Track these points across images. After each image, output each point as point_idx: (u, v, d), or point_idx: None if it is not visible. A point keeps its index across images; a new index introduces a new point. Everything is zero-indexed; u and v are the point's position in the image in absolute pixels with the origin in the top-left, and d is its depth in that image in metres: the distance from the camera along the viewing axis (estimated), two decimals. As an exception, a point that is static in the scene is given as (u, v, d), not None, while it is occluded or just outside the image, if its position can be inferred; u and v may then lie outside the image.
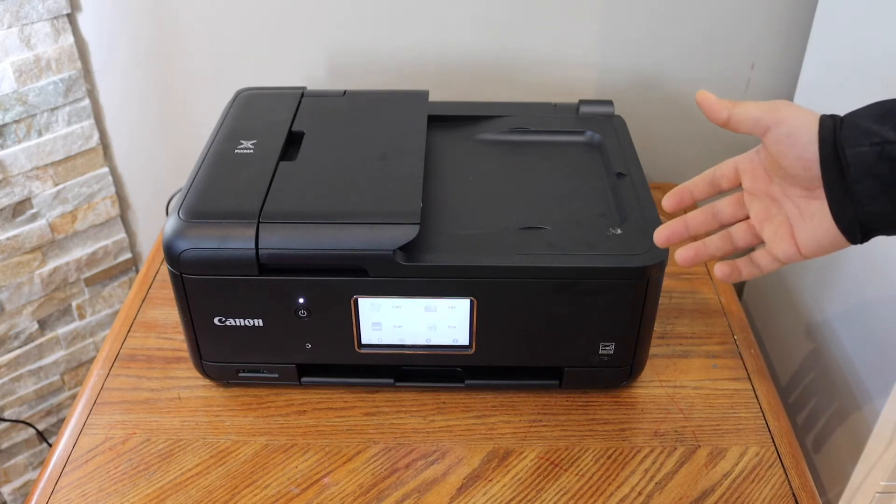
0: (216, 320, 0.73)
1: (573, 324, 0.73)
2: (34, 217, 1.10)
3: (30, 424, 1.23)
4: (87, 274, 1.19)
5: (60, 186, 1.11)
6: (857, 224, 0.51)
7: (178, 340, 0.86)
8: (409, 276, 0.70)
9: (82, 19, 1.05)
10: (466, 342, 0.75)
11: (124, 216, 1.21)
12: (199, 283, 0.71)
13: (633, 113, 1.02)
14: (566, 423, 0.77)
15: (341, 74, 1.10)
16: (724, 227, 0.61)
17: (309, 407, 0.79)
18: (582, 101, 0.91)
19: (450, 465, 0.73)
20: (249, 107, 0.87)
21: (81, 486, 0.71)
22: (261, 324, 0.73)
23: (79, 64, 1.06)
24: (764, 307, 1.14)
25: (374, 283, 0.70)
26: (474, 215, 0.76)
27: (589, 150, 0.86)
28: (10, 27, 0.99)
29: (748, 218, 0.59)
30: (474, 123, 0.90)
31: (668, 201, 0.61)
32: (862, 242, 0.53)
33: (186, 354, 0.80)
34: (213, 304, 0.72)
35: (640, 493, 0.70)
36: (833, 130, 0.51)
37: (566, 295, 0.71)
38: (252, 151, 0.78)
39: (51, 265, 1.15)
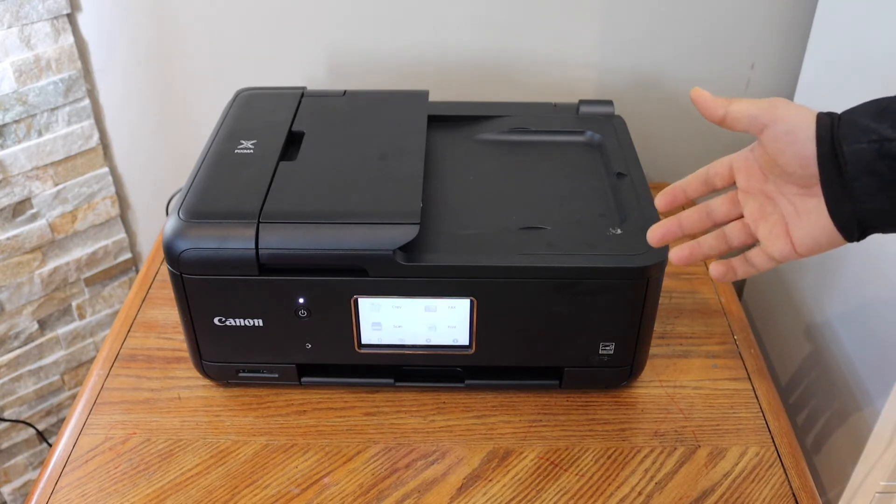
0: (216, 320, 0.73)
1: (573, 324, 0.73)
2: (34, 217, 1.10)
3: (30, 424, 1.23)
4: (87, 274, 1.19)
5: (60, 186, 1.11)
6: (854, 222, 0.51)
7: (178, 340, 0.86)
8: (409, 276, 0.70)
9: (82, 19, 1.05)
10: (466, 342, 0.75)
11: (124, 216, 1.21)
12: (199, 283, 0.71)
13: (633, 113, 1.02)
14: (566, 423, 0.77)
15: (341, 74, 1.10)
16: (718, 225, 0.60)
17: (309, 407, 0.79)
18: (582, 101, 0.91)
19: (450, 465, 0.73)
20: (249, 107, 0.87)
21: (81, 486, 0.71)
22: (261, 324, 0.73)
23: (79, 64, 1.06)
24: (764, 307, 1.14)
25: (374, 283, 0.70)
26: (474, 215, 0.76)
27: (589, 150, 0.86)
28: (10, 27, 0.99)
29: (742, 217, 0.59)
30: (474, 123, 0.90)
31: (660, 200, 0.60)
32: (858, 240, 0.53)
33: (186, 354, 0.80)
34: (213, 304, 0.72)
35: (640, 493, 0.70)
36: (831, 128, 0.51)
37: (566, 295, 0.71)
38: (252, 151, 0.78)
39: (51, 265, 1.15)
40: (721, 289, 0.93)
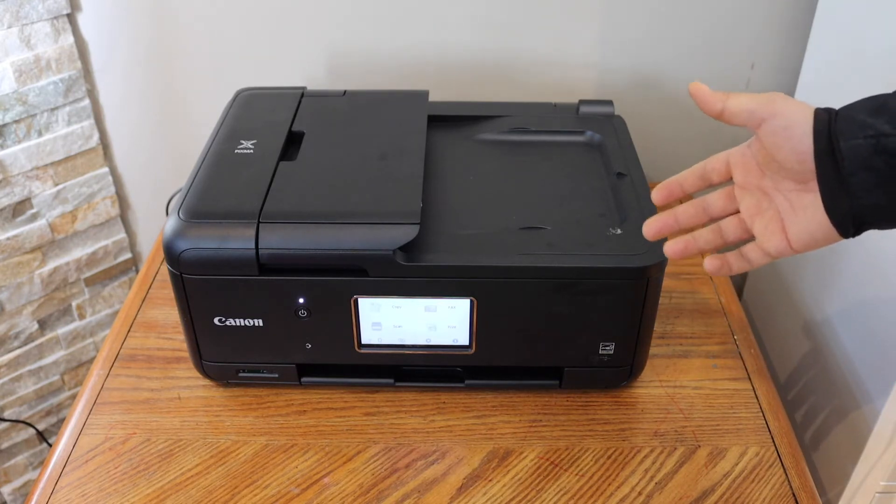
0: (216, 320, 0.73)
1: (573, 324, 0.73)
2: (34, 217, 1.10)
3: (30, 424, 1.23)
4: (87, 274, 1.19)
5: (60, 186, 1.11)
6: (850, 217, 0.52)
7: (178, 340, 0.86)
8: (409, 276, 0.70)
9: (82, 19, 1.05)
10: (466, 342, 0.75)
11: (124, 216, 1.21)
12: (199, 283, 0.71)
13: (633, 113, 1.02)
14: (566, 423, 0.77)
15: (341, 74, 1.10)
16: (714, 220, 0.60)
17: (309, 407, 0.79)
18: (582, 101, 0.91)
19: (450, 465, 0.73)
20: (249, 107, 0.87)
21: (81, 486, 0.71)
22: (261, 324, 0.73)
23: (79, 64, 1.06)
24: (764, 307, 1.14)
25: (374, 283, 0.70)
26: (474, 215, 0.76)
27: (589, 150, 0.86)
28: (10, 27, 0.99)
29: (738, 212, 0.59)
30: (474, 123, 0.90)
31: (657, 194, 0.61)
32: (853, 236, 0.53)
33: (186, 354, 0.80)
34: (213, 304, 0.72)
35: (640, 493, 0.70)
36: (828, 123, 0.51)
37: (566, 295, 0.71)
38: (252, 151, 0.78)
39: (51, 265, 1.15)
40: (721, 289, 0.93)
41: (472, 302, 0.71)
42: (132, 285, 1.00)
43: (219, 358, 0.77)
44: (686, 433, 0.76)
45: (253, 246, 0.68)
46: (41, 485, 0.72)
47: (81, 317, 1.22)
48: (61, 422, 1.17)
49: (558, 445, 0.75)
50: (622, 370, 0.77)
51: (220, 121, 0.85)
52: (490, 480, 0.71)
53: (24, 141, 1.05)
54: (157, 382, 0.81)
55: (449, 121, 0.90)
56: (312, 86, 0.97)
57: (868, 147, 0.49)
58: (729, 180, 0.59)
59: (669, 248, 0.61)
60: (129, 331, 0.87)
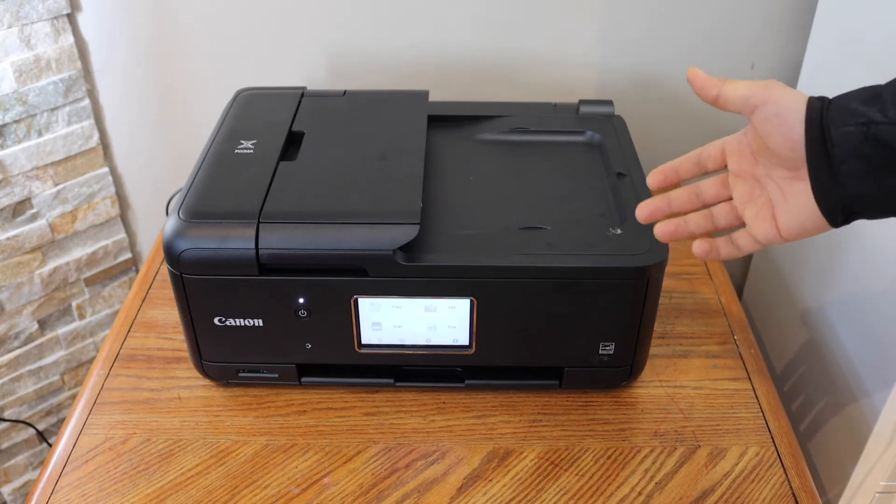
0: (216, 320, 0.73)
1: (573, 324, 0.73)
2: (34, 217, 1.10)
3: (30, 424, 1.23)
4: (87, 274, 1.19)
5: (60, 186, 1.11)
6: (839, 207, 0.52)
7: (178, 340, 0.86)
8: (409, 276, 0.70)
9: (82, 19, 1.05)
10: (466, 342, 0.75)
11: (124, 216, 1.21)
12: (199, 283, 0.71)
13: (633, 113, 1.02)
14: (566, 423, 0.77)
15: (341, 74, 1.10)
16: (706, 206, 0.61)
17: (309, 407, 0.79)
18: (582, 101, 0.91)
19: (450, 465, 0.73)
20: (249, 107, 0.87)
21: (81, 486, 0.71)
22: (261, 324, 0.73)
23: (79, 64, 1.06)
24: (764, 307, 1.14)
25: (374, 283, 0.70)
26: (474, 215, 0.76)
27: (589, 150, 0.86)
28: (10, 27, 0.99)
29: (731, 199, 0.59)
30: (474, 123, 0.90)
31: (652, 179, 0.61)
32: (842, 225, 0.53)
33: (186, 354, 0.80)
34: (213, 304, 0.72)
35: (640, 493, 0.70)
36: (820, 111, 0.51)
37: (566, 295, 0.71)
38: (252, 151, 0.78)
39: (51, 265, 1.15)
40: (721, 289, 0.93)
41: (472, 302, 0.71)
42: (132, 285, 1.00)
43: (219, 358, 0.77)
44: (686, 433, 0.76)
45: (253, 246, 0.68)
46: (41, 485, 0.72)
47: (81, 317, 1.22)
48: (61, 422, 1.17)
49: (558, 445, 0.75)
50: (622, 370, 0.77)
51: (220, 121, 0.85)
52: (490, 480, 0.71)
53: (24, 141, 1.05)
54: (157, 382, 0.81)
55: (449, 121, 0.90)
56: (312, 86, 0.97)
57: (859, 135, 0.49)
58: (724, 167, 0.60)
59: (660, 230, 0.62)
60: (129, 331, 0.87)
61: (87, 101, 1.09)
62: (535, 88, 1.11)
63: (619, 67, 1.09)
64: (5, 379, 1.17)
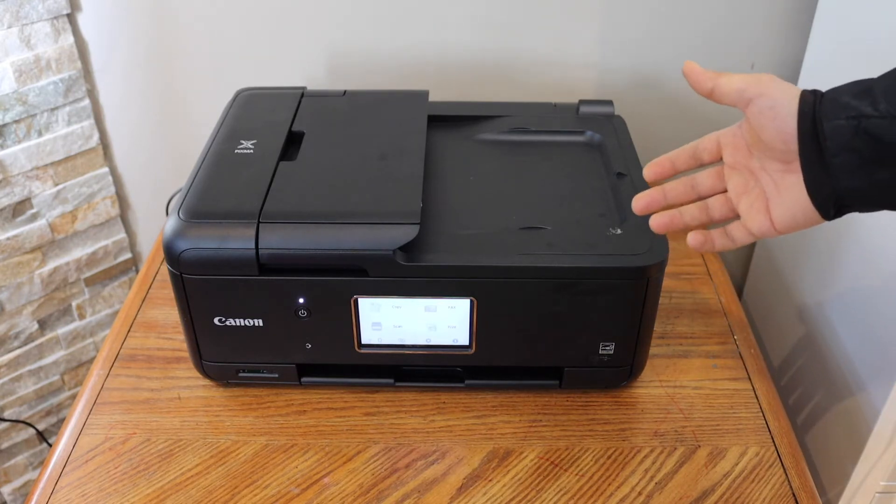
0: (216, 320, 0.73)
1: (573, 324, 0.73)
2: (34, 217, 1.10)
3: (30, 424, 1.23)
4: (87, 274, 1.19)
5: (60, 186, 1.11)
6: (831, 200, 0.52)
7: (178, 340, 0.86)
8: (409, 276, 0.70)
9: (82, 19, 1.05)
10: (466, 342, 0.75)
11: (124, 216, 1.21)
12: (199, 283, 0.71)
13: (633, 113, 1.02)
14: (566, 423, 0.77)
15: (341, 74, 1.10)
16: (702, 198, 0.62)
17: (309, 407, 0.79)
18: (582, 101, 0.91)
19: (450, 465, 0.73)
20: (249, 107, 0.87)
21: (81, 486, 0.71)
22: (261, 324, 0.73)
23: (79, 64, 1.06)
24: (764, 307, 1.14)
25: (374, 283, 0.70)
26: (474, 215, 0.76)
27: (589, 150, 0.86)
28: (10, 27, 0.99)
29: (726, 191, 0.60)
30: (474, 123, 0.90)
31: (648, 171, 0.62)
32: (834, 218, 0.54)
33: (186, 354, 0.80)
34: (213, 304, 0.72)
35: (640, 493, 0.70)
36: (813, 105, 0.52)
37: (566, 295, 0.71)
38: (252, 151, 0.78)
39: (51, 265, 1.15)
40: (721, 289, 0.93)
41: (472, 302, 0.71)
42: (132, 285, 1.00)
43: (219, 358, 0.77)
44: (686, 433, 0.76)
45: (253, 246, 0.68)
46: (41, 485, 0.72)
47: (81, 317, 1.22)
48: (61, 422, 1.17)
49: (558, 445, 0.75)
50: (622, 370, 0.77)
51: (220, 121, 0.85)
52: (490, 480, 0.71)
53: (24, 141, 1.05)
54: (157, 382, 0.81)
55: (449, 121, 0.90)
56: (312, 86, 0.97)
57: (850, 128, 0.50)
58: (719, 160, 0.60)
59: (655, 221, 0.62)
60: (129, 331, 0.87)
61: (87, 101, 1.09)
62: (535, 88, 1.11)
63: (619, 67, 1.09)
64: (5, 379, 1.17)
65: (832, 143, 0.50)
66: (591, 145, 0.87)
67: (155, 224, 1.22)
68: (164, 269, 0.93)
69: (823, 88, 0.53)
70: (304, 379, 0.79)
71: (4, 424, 1.20)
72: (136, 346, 0.85)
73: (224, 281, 0.70)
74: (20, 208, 1.09)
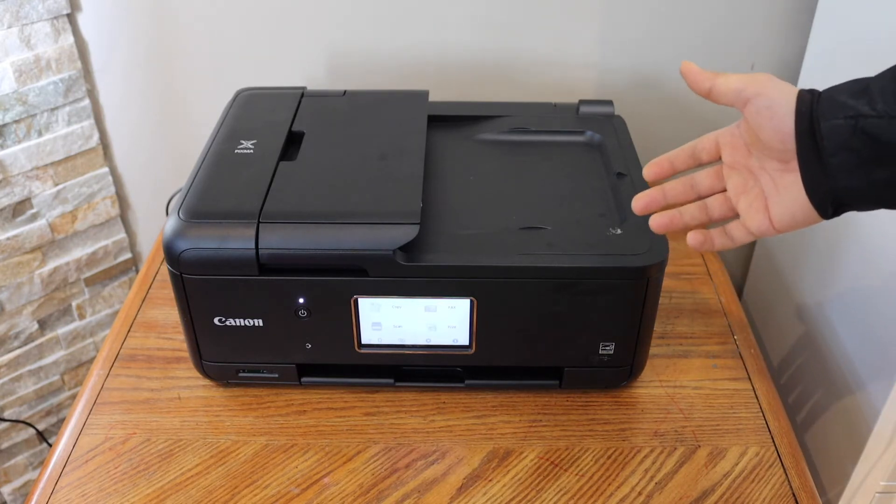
0: (216, 320, 0.73)
1: (573, 324, 0.73)
2: (34, 217, 1.10)
3: (30, 424, 1.23)
4: (87, 274, 1.19)
5: (60, 186, 1.11)
6: (829, 199, 0.52)
7: (178, 340, 0.86)
8: (409, 276, 0.70)
9: (82, 19, 1.05)
10: (466, 342, 0.75)
11: (124, 216, 1.21)
12: (199, 283, 0.71)
13: (633, 113, 1.02)
14: (566, 423, 0.77)
15: (341, 74, 1.10)
16: (701, 198, 0.62)
17: (309, 407, 0.79)
18: (582, 101, 0.91)
19: (450, 465, 0.73)
20: (249, 107, 0.87)
21: (81, 486, 0.71)
22: (261, 324, 0.73)
23: (79, 64, 1.06)
24: (764, 307, 1.14)
25: (374, 283, 0.70)
26: (474, 215, 0.76)
27: (589, 150, 0.86)
28: (10, 27, 0.99)
29: (726, 191, 0.60)
30: (474, 123, 0.90)
31: (648, 170, 0.62)
32: (832, 217, 0.54)
33: (186, 354, 0.80)
34: (213, 304, 0.72)
35: (640, 493, 0.70)
36: (811, 104, 0.52)
37: (566, 295, 0.71)
38: (252, 151, 0.78)
39: (51, 265, 1.15)
40: (721, 289, 0.93)
41: (472, 302, 0.71)
42: (132, 285, 1.00)
43: (219, 358, 0.77)
44: (686, 433, 0.76)
45: (253, 246, 0.68)
46: (41, 485, 0.72)
47: (81, 317, 1.22)
48: (61, 422, 1.17)
49: (558, 445, 0.75)
50: (622, 370, 0.77)
51: (220, 121, 0.85)
52: (490, 480, 0.71)
53: (24, 141, 1.05)
54: (157, 382, 0.81)
55: (449, 121, 0.90)
56: (312, 86, 0.97)
57: (847, 128, 0.50)
58: (718, 159, 0.60)
59: (655, 221, 0.62)
60: (129, 331, 0.87)
61: (87, 101, 1.09)
62: (535, 88, 1.11)
63: (619, 67, 1.09)
64: (5, 379, 1.17)
65: (830, 142, 0.50)
66: (591, 145, 0.87)
67: (155, 224, 1.22)
68: (164, 269, 0.93)
69: (823, 88, 0.54)
70: (304, 379, 0.79)
71: (4, 424, 1.20)
72: (136, 346, 0.85)
73: (224, 281, 0.70)
74: (20, 208, 1.09)
